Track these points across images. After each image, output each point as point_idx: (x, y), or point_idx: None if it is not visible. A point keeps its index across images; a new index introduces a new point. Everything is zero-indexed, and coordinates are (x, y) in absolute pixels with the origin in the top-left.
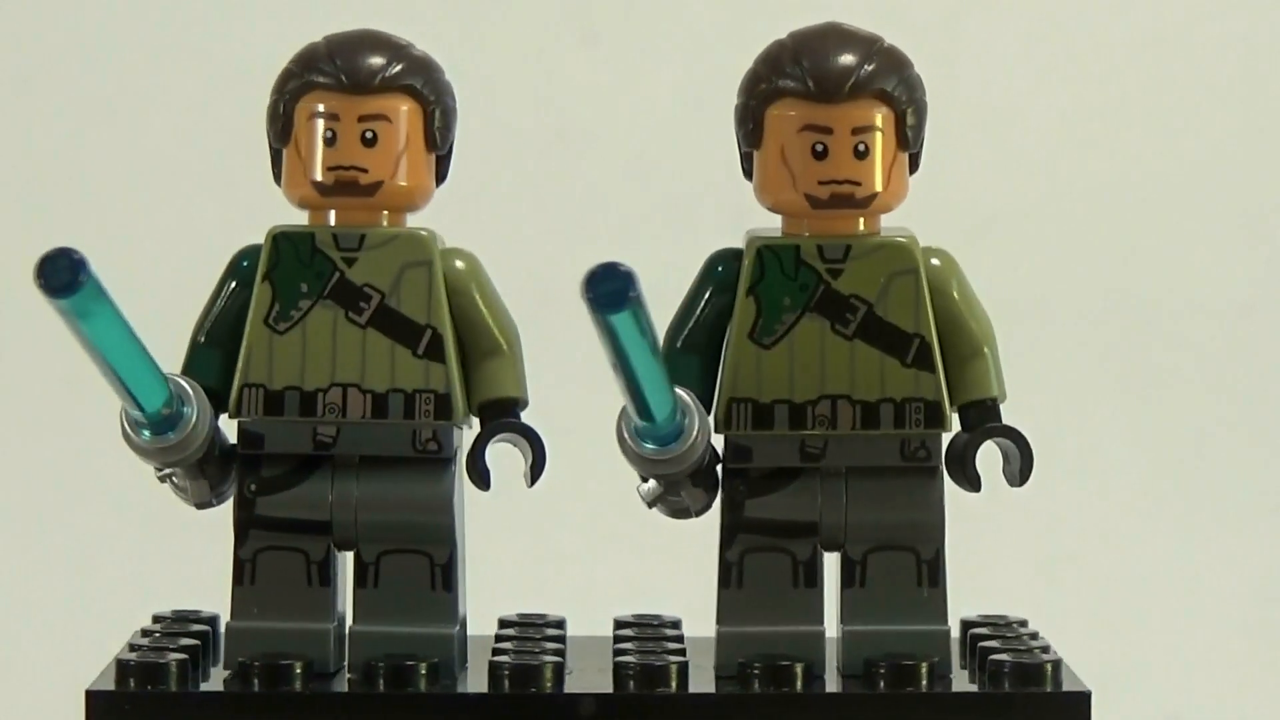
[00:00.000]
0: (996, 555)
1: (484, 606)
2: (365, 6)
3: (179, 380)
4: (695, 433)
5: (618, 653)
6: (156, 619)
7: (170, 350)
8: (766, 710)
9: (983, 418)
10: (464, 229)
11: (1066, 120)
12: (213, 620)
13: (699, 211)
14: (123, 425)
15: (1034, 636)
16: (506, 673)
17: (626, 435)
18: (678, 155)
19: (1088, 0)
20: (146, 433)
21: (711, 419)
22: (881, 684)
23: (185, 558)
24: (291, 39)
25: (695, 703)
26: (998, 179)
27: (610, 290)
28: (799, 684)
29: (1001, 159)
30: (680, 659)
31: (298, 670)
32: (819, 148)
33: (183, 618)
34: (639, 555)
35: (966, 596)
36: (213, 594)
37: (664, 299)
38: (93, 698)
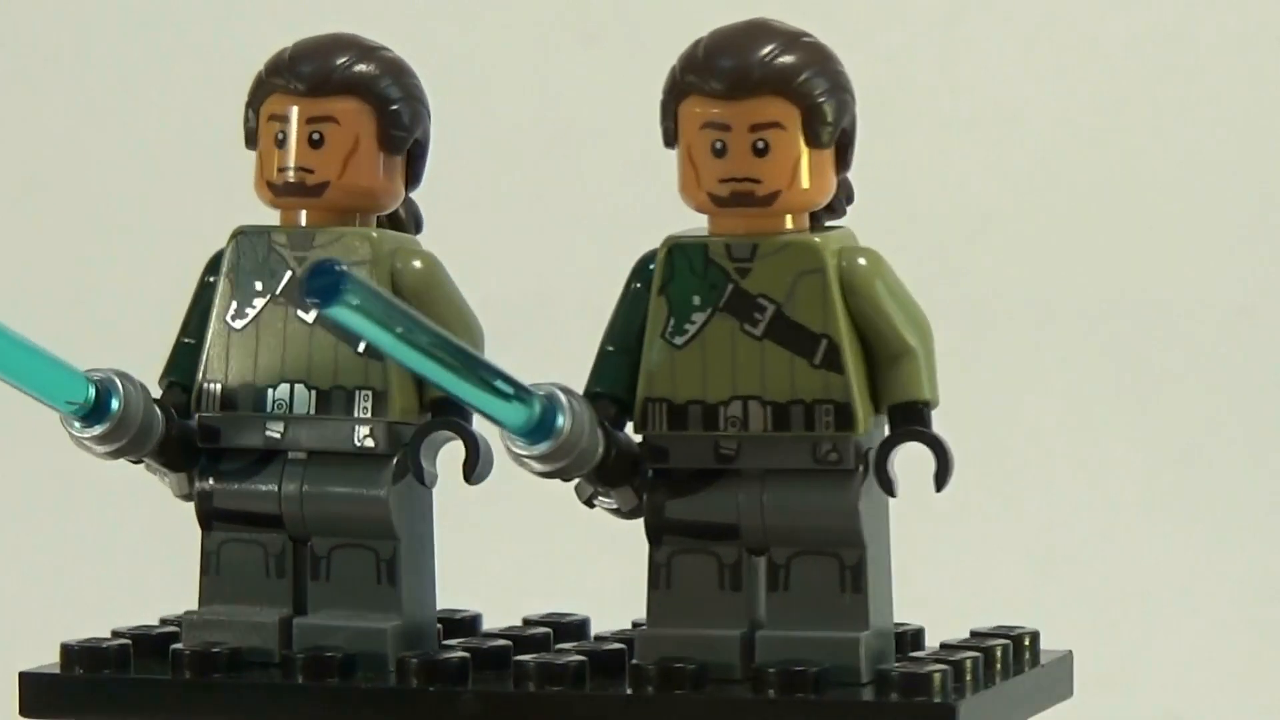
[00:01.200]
0: (996, 555)
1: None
2: (366, 6)
3: (110, 374)
4: (567, 430)
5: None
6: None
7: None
8: (654, 712)
9: (907, 420)
10: (463, 229)
11: (1066, 120)
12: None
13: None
14: (61, 423)
15: (1006, 649)
16: (413, 667)
17: (501, 435)
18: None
19: (1088, 0)
20: (76, 424)
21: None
22: (771, 690)
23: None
24: (292, 39)
25: (584, 703)
26: (997, 179)
27: (319, 285)
28: (689, 686)
29: (1001, 159)
30: (579, 659)
31: (224, 658)
32: (718, 145)
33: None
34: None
35: (966, 596)
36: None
37: None
38: (26, 680)
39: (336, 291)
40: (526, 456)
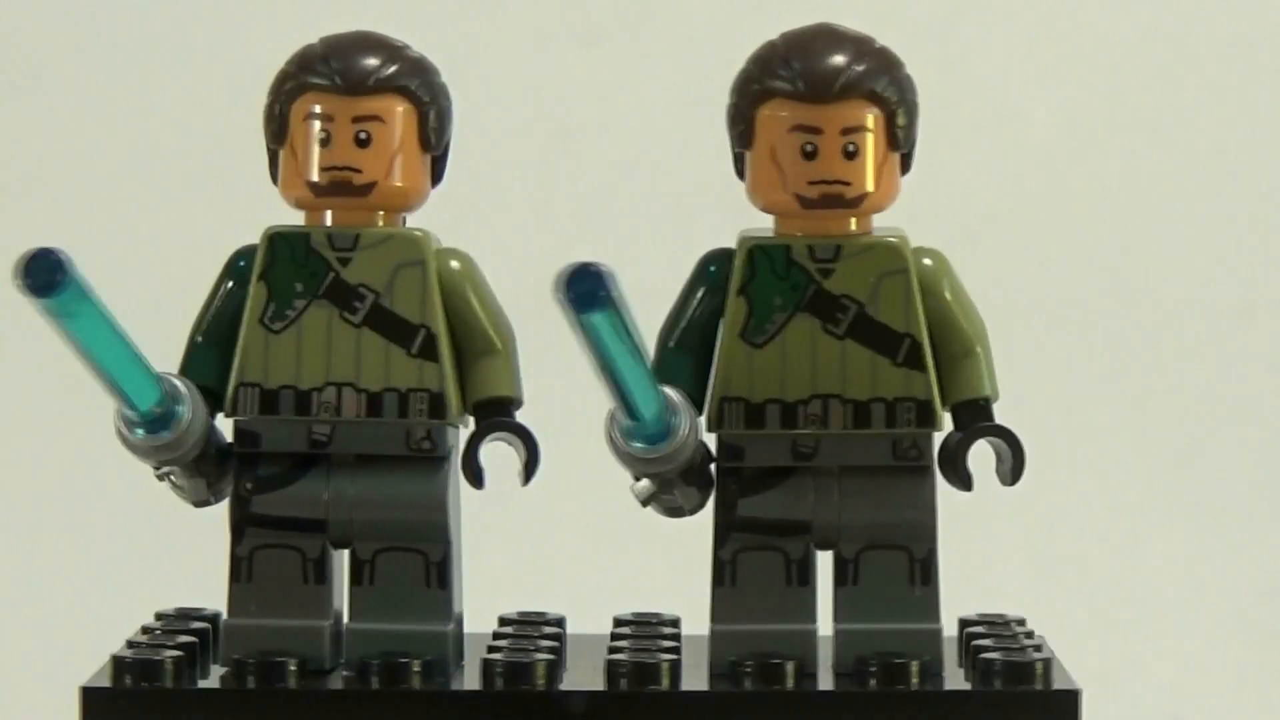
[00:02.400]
0: (996, 555)
1: (485, 604)
2: (365, 7)
3: (173, 379)
4: (684, 432)
5: (612, 650)
6: (159, 616)
7: (168, 350)
8: (757, 708)
9: (975, 417)
10: (464, 229)
11: (1065, 119)
12: (214, 618)
13: (699, 211)
14: (116, 424)
15: (1029, 635)
16: (499, 670)
17: (615, 434)
18: (677, 155)
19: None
20: (140, 431)
21: (704, 418)
22: (872, 682)
23: (191, 554)
24: (291, 39)
25: (686, 700)
26: (997, 179)
27: (584, 290)
28: (790, 682)
29: (1001, 159)
30: (673, 656)
31: (292, 667)
32: (809, 148)
33: (185, 615)
34: (643, 554)
35: (966, 596)
36: (218, 591)
37: (664, 298)
38: (88, 694)
39: (598, 299)
40: (640, 458)
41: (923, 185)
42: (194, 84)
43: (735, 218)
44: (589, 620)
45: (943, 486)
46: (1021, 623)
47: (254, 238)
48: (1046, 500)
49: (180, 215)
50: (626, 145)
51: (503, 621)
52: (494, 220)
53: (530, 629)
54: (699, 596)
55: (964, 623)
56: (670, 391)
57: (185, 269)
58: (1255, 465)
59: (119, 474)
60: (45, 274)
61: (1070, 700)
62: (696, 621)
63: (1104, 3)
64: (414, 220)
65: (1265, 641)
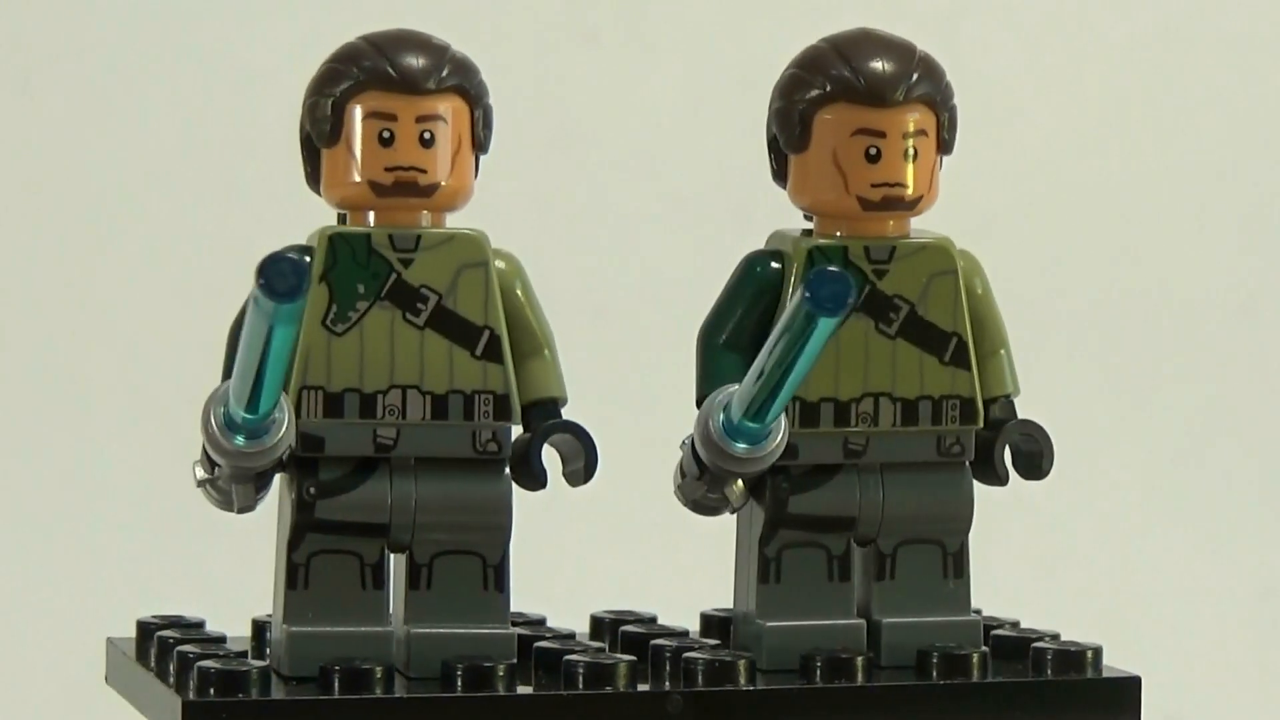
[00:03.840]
0: (996, 554)
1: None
2: (366, 7)
3: None
4: (782, 433)
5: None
6: (142, 624)
7: (172, 351)
8: (832, 702)
9: (1005, 413)
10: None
11: (1068, 119)
12: (200, 625)
13: (700, 211)
14: (211, 429)
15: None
16: (581, 671)
17: (713, 435)
18: (680, 154)
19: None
20: (241, 437)
21: None
22: (934, 674)
23: (153, 564)
24: (293, 39)
25: (765, 698)
26: (999, 178)
27: (833, 293)
28: (859, 676)
29: (1002, 158)
30: (748, 654)
31: (378, 675)
32: (872, 151)
33: (172, 623)
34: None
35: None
36: (190, 599)
37: (664, 297)
38: (188, 709)
39: (844, 303)
40: (741, 458)
41: None
42: (200, 86)
43: (734, 217)
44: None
45: None
46: (1015, 624)
47: (269, 239)
48: (1047, 500)
49: (208, 217)
50: (627, 145)
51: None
52: (494, 220)
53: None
54: (700, 596)
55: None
56: None
57: (212, 271)
58: (1256, 465)
59: (121, 475)
60: (289, 279)
61: (1132, 686)
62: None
63: (1107, 3)
64: (456, 219)
65: (1265, 641)
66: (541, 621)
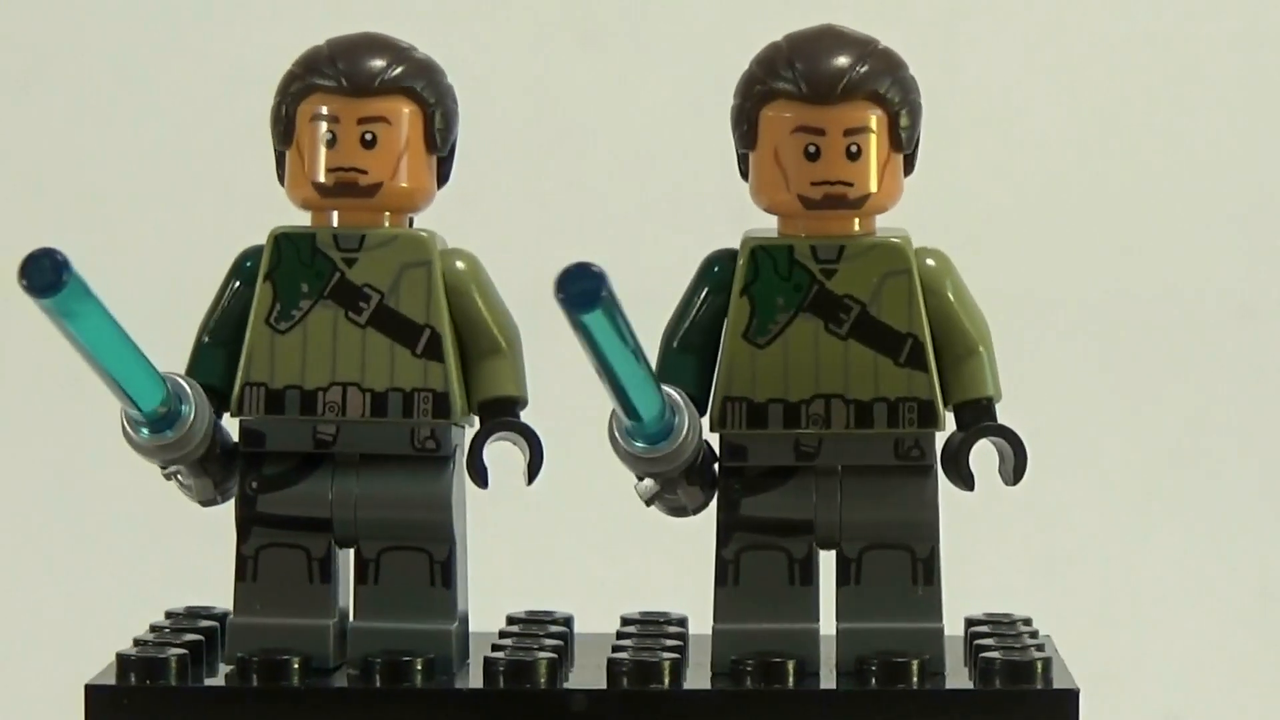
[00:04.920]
0: (997, 554)
1: (494, 604)
2: (366, 7)
3: (177, 379)
4: (685, 431)
5: (615, 649)
6: (169, 614)
7: (173, 350)
8: (758, 707)
9: (977, 417)
10: (464, 229)
11: (1066, 119)
12: (223, 617)
13: (699, 211)
14: (122, 424)
15: (1034, 635)
16: (502, 668)
17: (617, 434)
18: (677, 155)
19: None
20: (145, 431)
21: (707, 418)
22: (873, 681)
23: (202, 553)
24: (293, 39)
25: (687, 699)
26: (998, 179)
27: (582, 290)
28: (790, 680)
29: (1001, 159)
30: (674, 655)
31: (295, 665)
32: (811, 149)
33: (194, 614)
34: (653, 553)
35: (968, 595)
36: (229, 591)
37: (664, 299)
38: (93, 692)
39: (596, 298)
40: (642, 457)
41: (924, 185)
42: (199, 84)
43: (735, 218)
44: (600, 620)
45: (946, 486)
46: (1028, 622)
47: (259, 238)
48: (1048, 500)
49: (187, 216)
50: (626, 145)
51: (510, 620)
52: (494, 220)
53: (536, 628)
54: (706, 596)
55: (969, 622)
56: (671, 391)
57: (193, 270)
58: (1256, 465)
59: (130, 473)
60: (46, 274)
61: (1069, 700)
62: (705, 621)
63: (1106, 3)
64: (420, 221)
65: (1265, 641)
66: (567, 621)
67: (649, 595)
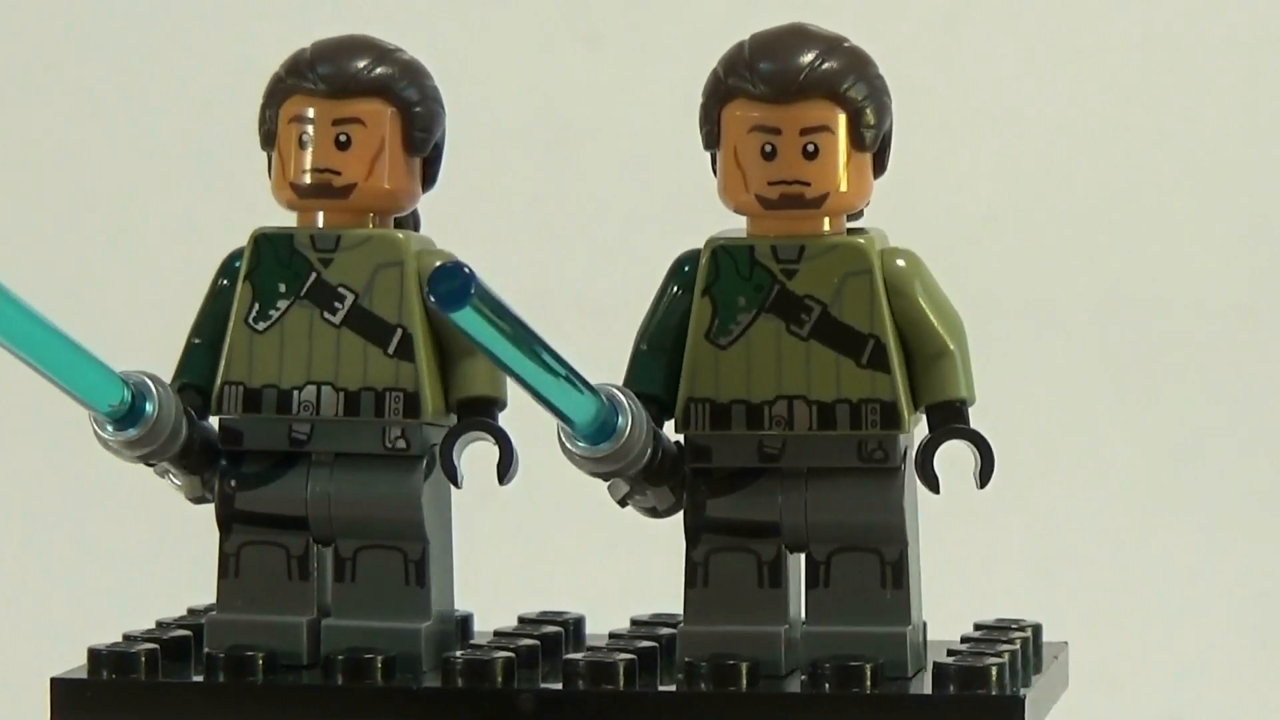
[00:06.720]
0: (996, 555)
1: (515, 605)
2: (366, 6)
3: (143, 378)
4: (627, 431)
5: (587, 650)
6: (192, 611)
7: (172, 350)
8: (711, 709)
9: (947, 419)
10: (463, 229)
11: (1066, 120)
12: None
13: (699, 212)
14: (90, 423)
15: (1027, 641)
16: (459, 668)
17: (561, 435)
18: (678, 155)
19: (1088, 1)
20: (109, 428)
21: (674, 419)
22: (827, 684)
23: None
24: (292, 39)
25: (637, 700)
26: (997, 179)
27: (449, 289)
28: (744, 683)
29: (1001, 159)
30: (629, 656)
31: (260, 661)
32: (768, 148)
33: (196, 612)
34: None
35: (966, 596)
36: None
37: None
38: (58, 686)
39: (465, 295)
40: (585, 457)
41: (920, 187)
42: (192, 84)
43: (735, 218)
44: (621, 622)
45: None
46: (1035, 629)
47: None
48: (1047, 500)
49: (180, 217)
50: (627, 145)
51: (521, 620)
52: (493, 220)
53: (530, 627)
54: None
55: (976, 627)
56: (615, 391)
57: (193, 270)
58: (1255, 465)
59: (130, 473)
60: None
61: (1013, 707)
62: None
63: (1104, 4)
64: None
65: (1265, 641)
66: (578, 622)
67: (672, 597)
